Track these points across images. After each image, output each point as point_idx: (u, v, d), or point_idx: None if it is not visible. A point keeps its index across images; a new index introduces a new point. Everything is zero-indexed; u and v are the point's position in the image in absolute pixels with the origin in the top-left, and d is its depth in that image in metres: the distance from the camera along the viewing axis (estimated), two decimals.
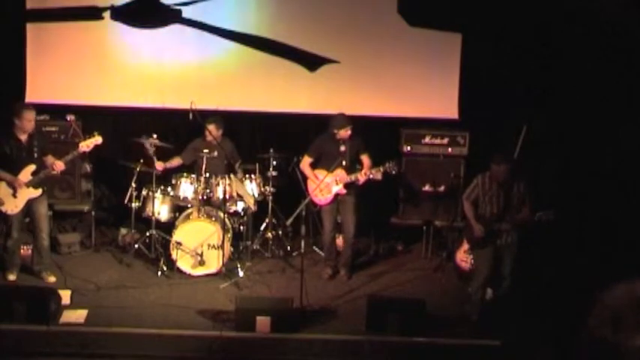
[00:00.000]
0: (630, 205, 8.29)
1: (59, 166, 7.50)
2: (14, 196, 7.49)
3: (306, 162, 8.19)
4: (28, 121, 7.46)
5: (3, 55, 8.92)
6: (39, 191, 7.59)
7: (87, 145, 7.57)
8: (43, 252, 7.82)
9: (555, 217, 6.94)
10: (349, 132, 7.97)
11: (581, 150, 8.69)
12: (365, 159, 8.11)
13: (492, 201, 7.14)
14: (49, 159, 7.56)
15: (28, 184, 7.49)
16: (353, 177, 7.98)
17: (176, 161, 8.65)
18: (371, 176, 7.97)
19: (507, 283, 7.39)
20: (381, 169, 7.97)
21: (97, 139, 7.62)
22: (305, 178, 8.22)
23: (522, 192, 7.13)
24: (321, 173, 7.99)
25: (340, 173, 7.99)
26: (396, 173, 8.14)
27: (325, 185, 7.98)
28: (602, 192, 8.42)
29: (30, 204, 7.60)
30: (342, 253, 8.33)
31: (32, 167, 7.51)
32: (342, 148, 8.01)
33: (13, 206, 7.51)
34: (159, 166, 8.41)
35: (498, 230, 7.11)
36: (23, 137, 7.50)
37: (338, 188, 8.04)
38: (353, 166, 8.09)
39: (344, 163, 7.99)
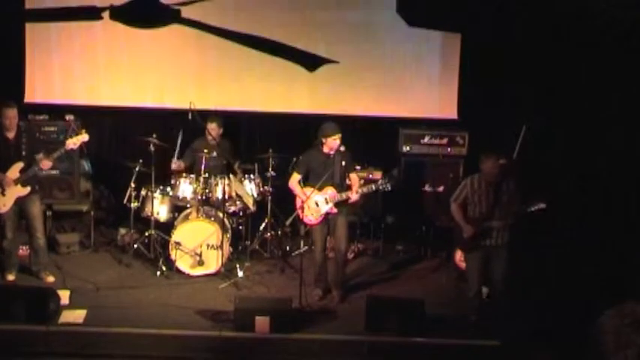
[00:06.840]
0: (627, 205, 8.29)
1: (46, 164, 7.48)
2: (2, 194, 7.46)
3: (294, 179, 7.57)
4: (12, 118, 7.44)
5: (2, 55, 8.92)
6: (27, 189, 7.53)
7: (74, 142, 7.55)
8: (40, 252, 7.80)
9: (546, 207, 6.88)
10: (338, 141, 7.40)
11: (580, 150, 8.69)
12: (353, 177, 7.66)
13: (482, 200, 7.06)
14: (40, 157, 7.50)
15: (15, 182, 7.46)
16: (344, 195, 7.42)
17: (183, 165, 8.63)
18: (365, 191, 7.56)
19: (500, 289, 7.16)
20: (374, 186, 7.56)
21: (84, 137, 7.62)
22: (294, 195, 7.62)
23: (511, 190, 7.08)
24: (309, 191, 7.44)
25: (330, 191, 7.44)
26: (390, 190, 7.64)
27: (314, 204, 7.47)
28: (601, 192, 8.41)
29: (22, 204, 7.57)
30: (335, 273, 7.68)
31: (20, 165, 7.47)
32: (329, 166, 7.41)
33: (1, 205, 7.48)
34: (174, 165, 8.44)
35: (489, 228, 7.05)
36: (10, 135, 7.48)
37: (328, 207, 7.44)
38: (344, 183, 7.57)
39: (333, 179, 7.44)
